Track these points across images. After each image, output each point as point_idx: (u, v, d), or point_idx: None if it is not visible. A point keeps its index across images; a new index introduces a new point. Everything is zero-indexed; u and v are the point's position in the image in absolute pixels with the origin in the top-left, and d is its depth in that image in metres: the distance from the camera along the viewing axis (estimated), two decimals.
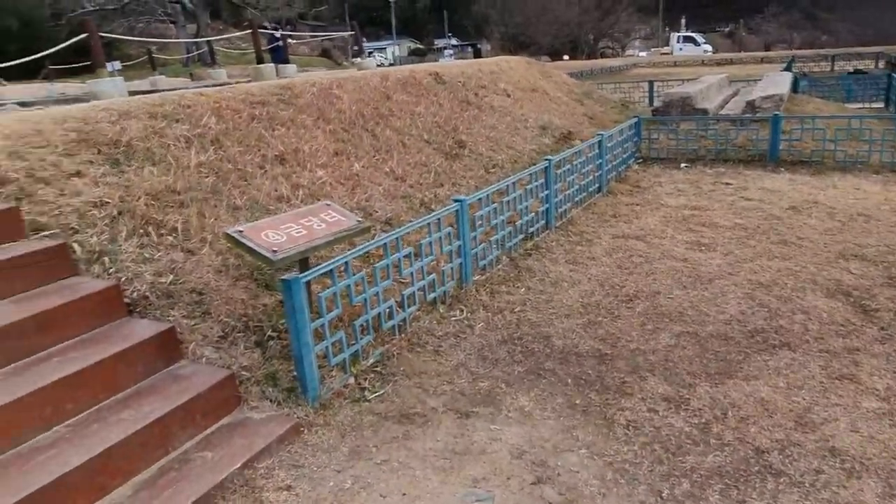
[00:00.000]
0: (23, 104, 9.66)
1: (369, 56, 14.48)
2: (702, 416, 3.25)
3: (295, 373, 3.48)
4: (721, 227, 6.12)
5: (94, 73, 9.03)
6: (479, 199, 4.89)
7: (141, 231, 4.19)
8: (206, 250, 4.35)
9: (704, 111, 9.81)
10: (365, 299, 3.76)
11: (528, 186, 5.69)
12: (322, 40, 40.03)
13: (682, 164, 8.86)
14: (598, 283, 4.92)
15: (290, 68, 12.71)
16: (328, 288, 3.56)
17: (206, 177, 4.98)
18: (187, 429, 3.02)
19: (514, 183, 5.38)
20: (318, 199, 5.67)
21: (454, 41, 62.84)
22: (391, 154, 6.98)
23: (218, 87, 6.88)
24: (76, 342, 3.21)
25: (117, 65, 13.76)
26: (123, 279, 3.72)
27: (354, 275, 3.65)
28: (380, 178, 6.50)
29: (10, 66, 9.78)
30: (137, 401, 3.03)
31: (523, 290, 4.85)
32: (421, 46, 62.13)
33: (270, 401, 3.33)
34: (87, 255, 3.78)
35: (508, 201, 5.33)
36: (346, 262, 3.57)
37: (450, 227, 4.57)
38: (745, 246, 5.57)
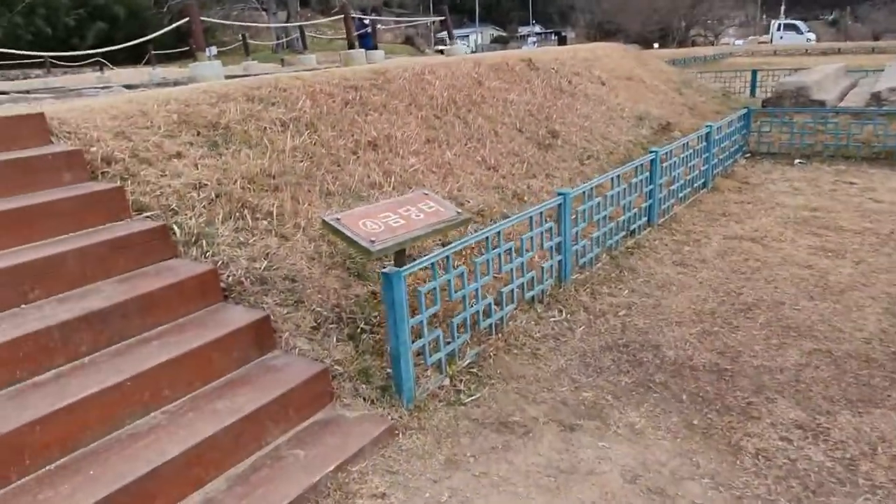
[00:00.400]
0: (128, 87, 10.06)
1: (456, 42, 14.27)
2: (846, 451, 2.83)
3: (389, 370, 3.31)
4: (848, 231, 5.51)
5: (193, 57, 9.26)
6: (583, 192, 4.56)
7: (237, 215, 4.14)
8: (299, 236, 4.26)
9: (821, 103, 8.97)
10: (464, 296, 3.54)
11: (633, 180, 5.30)
12: (405, 27, 40.21)
13: (797, 161, 8.13)
14: (710, 288, 4.49)
15: (378, 54, 12.66)
16: (426, 282, 3.37)
17: (301, 161, 4.90)
18: (280, 424, 2.91)
19: (618, 176, 5.01)
20: (410, 187, 5.50)
21: (537, 29, 61.68)
22: (483, 142, 6.73)
23: (312, 72, 6.84)
24: (174, 326, 3.16)
25: (214, 50, 14.19)
26: (219, 263, 3.67)
27: (454, 269, 3.43)
28: (471, 167, 6.27)
29: (117, 52, 10.20)
30: (231, 391, 2.94)
31: (627, 291, 4.50)
32: (504, 34, 61.36)
33: (363, 399, 3.18)
34: (185, 238, 3.75)
35: (612, 196, 4.97)
36: (446, 257, 3.35)
37: (551, 222, 4.27)
38: (878, 254, 4.97)
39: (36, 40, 22.09)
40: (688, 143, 6.39)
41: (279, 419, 2.91)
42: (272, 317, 3.44)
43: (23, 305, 2.93)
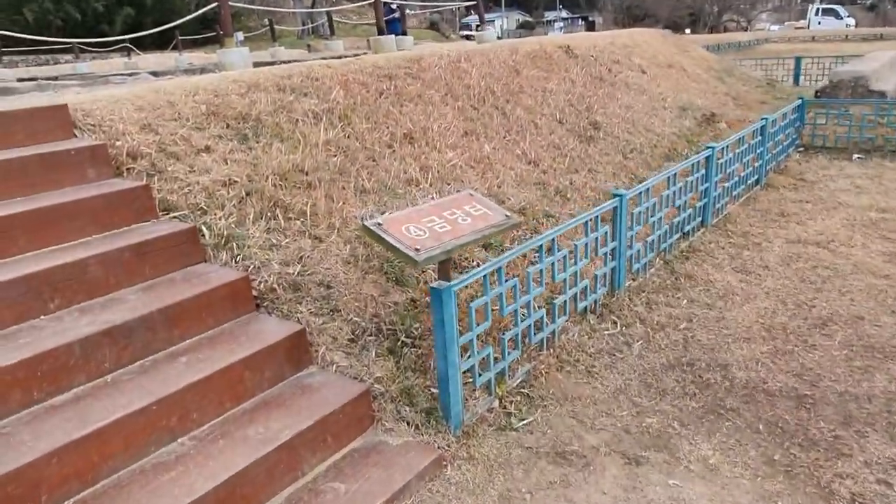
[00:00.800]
0: (155, 74, 9.88)
1: (488, 27, 13.83)
2: None
3: (433, 390, 3.04)
4: None
5: (219, 43, 9.01)
6: (639, 193, 4.21)
7: (268, 214, 3.88)
8: (334, 237, 4.00)
9: (881, 94, 8.43)
10: (515, 309, 3.24)
11: (689, 178, 4.93)
12: (431, 13, 39.65)
13: (855, 156, 7.64)
14: (778, 299, 4.13)
15: (408, 40, 12.29)
16: (475, 295, 3.07)
17: (334, 156, 4.63)
18: (317, 452, 2.65)
19: (674, 174, 4.65)
20: (449, 183, 5.21)
21: (564, 14, 60.48)
22: (523, 135, 6.39)
23: (343, 60, 6.55)
24: (203, 340, 2.92)
25: (241, 36, 13.98)
26: (251, 268, 3.41)
27: (507, 280, 3.12)
28: (511, 161, 5.95)
29: (144, 37, 10.02)
30: (265, 414, 2.69)
31: (685, 301, 4.15)
32: (529, 19, 60.29)
33: (407, 423, 2.90)
34: (215, 240, 3.50)
35: (667, 195, 4.61)
36: (498, 268, 3.05)
37: (607, 226, 3.94)
38: None
39: (66, 26, 22.13)
40: (743, 137, 5.97)
41: (316, 447, 2.65)
42: (307, 328, 3.18)
43: (42, 317, 2.70)
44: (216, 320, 3.02)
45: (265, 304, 3.30)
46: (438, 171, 5.20)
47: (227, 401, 2.69)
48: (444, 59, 6.79)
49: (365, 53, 10.14)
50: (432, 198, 4.90)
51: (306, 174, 4.32)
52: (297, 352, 3.01)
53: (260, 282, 3.37)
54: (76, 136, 3.72)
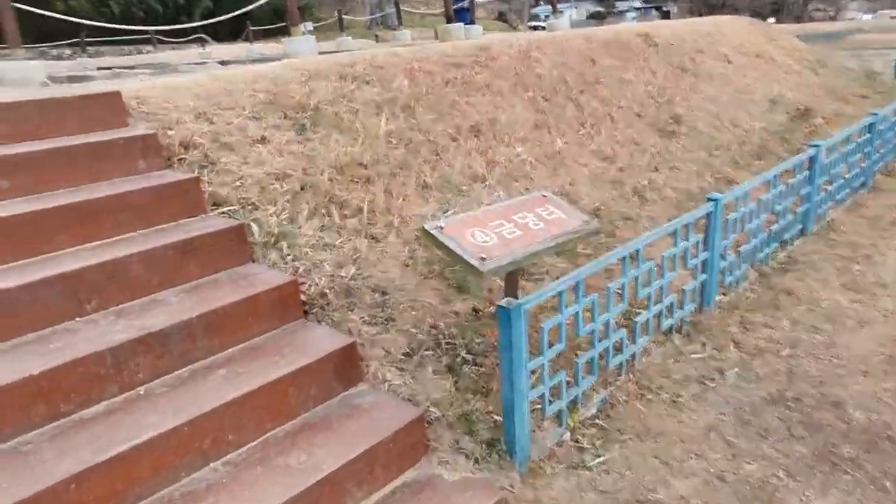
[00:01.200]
0: (223, 62, 9.89)
1: (561, 14, 13.28)
2: None
3: (496, 417, 2.69)
4: None
5: (288, 33, 8.92)
6: (736, 197, 3.71)
7: (323, 211, 3.62)
8: (391, 238, 3.70)
9: None
10: (593, 329, 2.84)
11: (790, 181, 4.36)
12: (499, 3, 39.02)
13: None
14: None
15: (476, 29, 11.90)
16: (543, 309, 2.70)
17: (396, 148, 4.33)
18: (363, 485, 2.35)
19: (775, 176, 4.10)
20: (517, 180, 4.83)
21: (637, 3, 58.38)
22: (598, 129, 5.93)
23: (409, 48, 6.25)
24: (245, 349, 2.67)
25: (309, 25, 13.92)
26: (301, 269, 3.15)
27: (586, 296, 2.73)
28: (585, 157, 5.50)
29: (220, 29, 10.04)
30: (308, 438, 2.41)
31: (787, 323, 3.63)
32: (601, 9, 58.52)
33: (466, 456, 2.56)
34: (264, 238, 3.25)
35: (765, 199, 4.08)
36: (577, 282, 2.66)
37: (699, 235, 3.47)
38: None
39: (148, 18, 22.91)
40: (850, 135, 5.31)
41: (363, 479, 2.35)
42: (358, 340, 2.89)
43: (77, 319, 2.51)
44: (260, 328, 2.77)
45: (314, 311, 3.03)
46: (506, 167, 4.83)
47: (267, 421, 2.43)
48: (514, 48, 6.38)
49: (432, 42, 9.82)
50: (498, 195, 4.55)
51: (365, 168, 4.04)
52: (346, 367, 2.72)
53: (310, 285, 3.10)
54: (129, 124, 3.55)
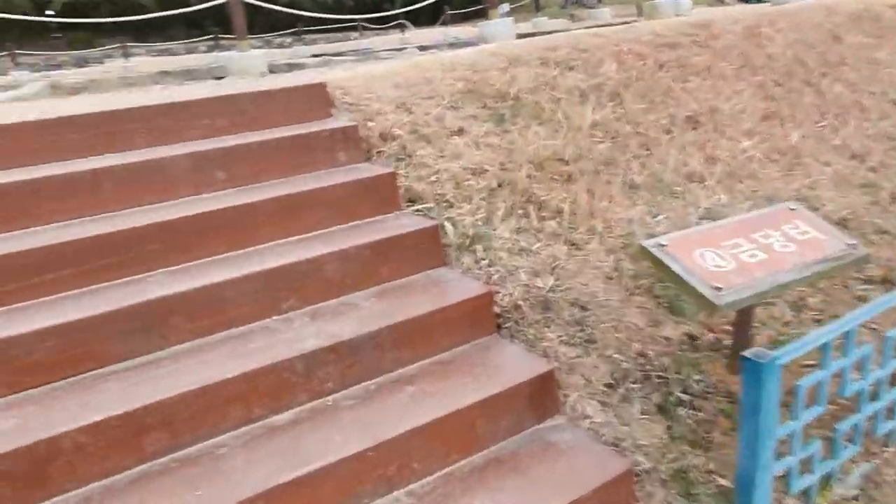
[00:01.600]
0: (422, 48, 10.05)
1: None
2: None
3: (719, 479, 2.21)
4: None
5: (485, 16, 8.76)
6: None
7: (520, 211, 3.32)
8: (593, 244, 3.30)
9: None
10: (860, 389, 2.22)
11: None
12: None
13: None
14: None
15: (685, 4, 10.79)
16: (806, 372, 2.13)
17: (600, 142, 3.89)
18: None
19: None
20: (741, 181, 4.13)
21: None
22: (843, 120, 4.94)
23: (613, 28, 5.69)
24: (434, 365, 2.47)
25: (506, 7, 13.69)
26: (495, 277, 2.88)
27: (858, 348, 2.12)
28: (827, 154, 4.59)
29: (420, 15, 10.23)
30: (496, 477, 2.14)
31: None
32: None
33: None
34: (458, 240, 3.04)
35: None
36: (848, 331, 2.06)
37: None
38: None
39: (356, 6, 24.55)
40: None
41: None
42: (556, 364, 2.56)
43: (274, 317, 2.49)
44: (451, 341, 2.55)
45: (507, 325, 2.75)
46: (728, 165, 4.16)
47: (454, 451, 2.20)
48: (739, 24, 5.53)
49: (635, 21, 9.03)
50: (718, 198, 3.92)
51: (566, 163, 3.66)
52: (542, 396, 2.40)
53: (504, 296, 2.82)
54: (332, 115, 3.54)
